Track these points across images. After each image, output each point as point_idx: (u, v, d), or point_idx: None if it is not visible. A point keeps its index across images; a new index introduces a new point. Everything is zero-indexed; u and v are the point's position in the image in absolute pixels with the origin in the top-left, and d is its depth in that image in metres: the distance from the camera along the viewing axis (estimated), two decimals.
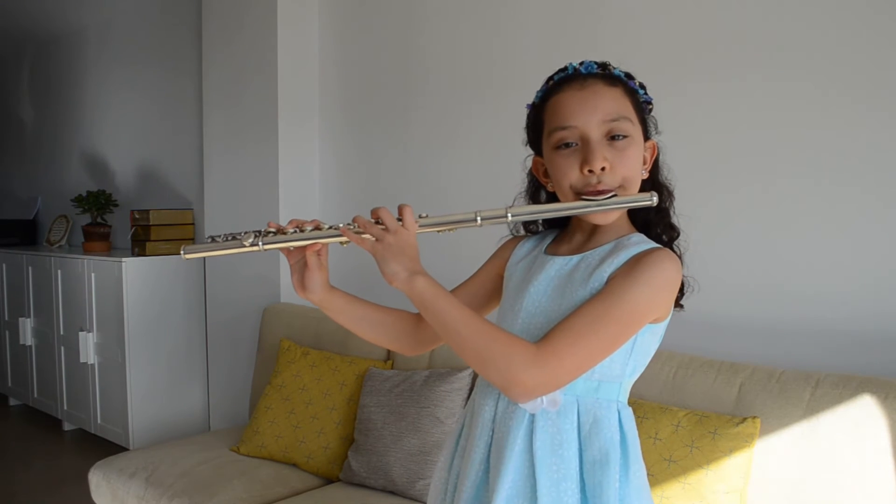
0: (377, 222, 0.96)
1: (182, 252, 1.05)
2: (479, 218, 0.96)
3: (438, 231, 1.00)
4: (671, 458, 1.56)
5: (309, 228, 1.01)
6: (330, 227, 1.00)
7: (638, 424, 1.61)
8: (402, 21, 2.67)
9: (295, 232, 1.01)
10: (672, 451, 1.56)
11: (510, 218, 0.97)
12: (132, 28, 4.00)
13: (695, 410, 1.62)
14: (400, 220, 0.96)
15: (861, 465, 1.43)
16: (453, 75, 2.51)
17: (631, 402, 1.66)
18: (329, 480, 2.20)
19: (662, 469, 1.55)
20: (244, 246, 1.01)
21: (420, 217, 0.98)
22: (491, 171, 2.37)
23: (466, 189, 2.48)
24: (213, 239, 1.04)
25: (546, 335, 0.92)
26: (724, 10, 1.86)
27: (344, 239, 0.99)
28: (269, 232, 1.01)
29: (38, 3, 4.11)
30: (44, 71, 4.87)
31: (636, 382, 1.04)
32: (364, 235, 0.97)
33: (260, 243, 1.01)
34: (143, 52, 3.92)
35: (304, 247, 1.04)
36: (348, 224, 0.99)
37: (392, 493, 2.02)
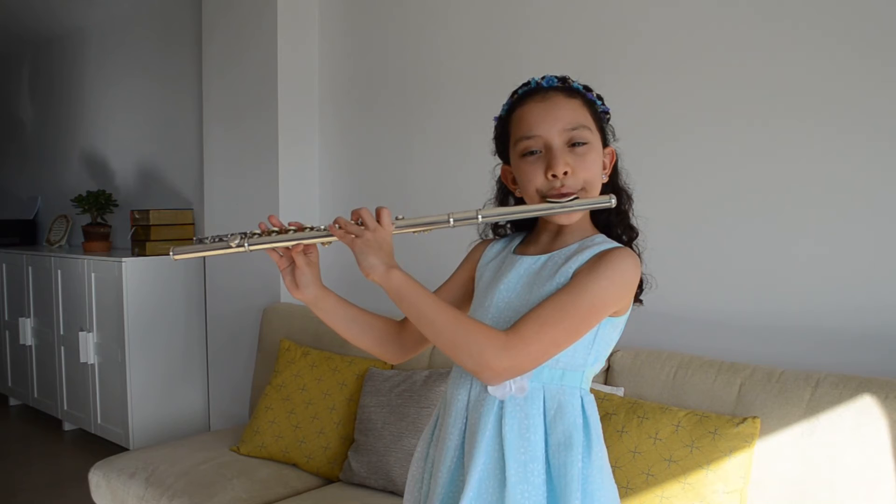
0: (357, 222, 1.03)
1: (171, 253, 1.10)
2: (451, 219, 1.03)
3: (414, 232, 1.05)
4: (671, 458, 1.56)
5: (292, 230, 1.06)
6: (311, 228, 1.06)
7: (638, 424, 1.63)
8: (402, 30, 2.67)
9: (279, 233, 1.06)
10: (672, 451, 1.56)
11: (480, 219, 1.05)
12: (133, 27, 4.00)
13: (695, 410, 1.62)
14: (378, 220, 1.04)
15: (861, 465, 1.43)
16: (452, 89, 2.51)
17: (631, 402, 1.68)
18: (329, 480, 2.20)
19: (662, 469, 1.56)
20: (230, 247, 1.05)
21: (397, 219, 1.05)
22: (492, 179, 2.36)
23: (468, 198, 2.47)
24: (200, 240, 1.08)
25: (515, 324, 1.00)
26: (721, 27, 1.88)
27: (326, 239, 1.05)
28: (255, 233, 1.06)
29: (39, 2, 4.11)
30: (44, 71, 4.87)
31: (636, 383, 1.07)
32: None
33: (246, 244, 1.05)
34: (143, 51, 3.92)
35: (291, 248, 1.09)
36: (326, 230, 1.05)
37: (392, 493, 2.02)
